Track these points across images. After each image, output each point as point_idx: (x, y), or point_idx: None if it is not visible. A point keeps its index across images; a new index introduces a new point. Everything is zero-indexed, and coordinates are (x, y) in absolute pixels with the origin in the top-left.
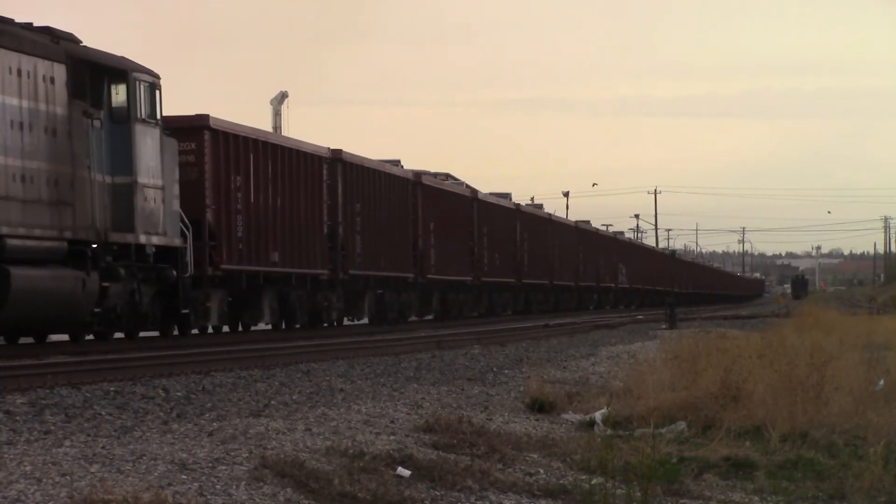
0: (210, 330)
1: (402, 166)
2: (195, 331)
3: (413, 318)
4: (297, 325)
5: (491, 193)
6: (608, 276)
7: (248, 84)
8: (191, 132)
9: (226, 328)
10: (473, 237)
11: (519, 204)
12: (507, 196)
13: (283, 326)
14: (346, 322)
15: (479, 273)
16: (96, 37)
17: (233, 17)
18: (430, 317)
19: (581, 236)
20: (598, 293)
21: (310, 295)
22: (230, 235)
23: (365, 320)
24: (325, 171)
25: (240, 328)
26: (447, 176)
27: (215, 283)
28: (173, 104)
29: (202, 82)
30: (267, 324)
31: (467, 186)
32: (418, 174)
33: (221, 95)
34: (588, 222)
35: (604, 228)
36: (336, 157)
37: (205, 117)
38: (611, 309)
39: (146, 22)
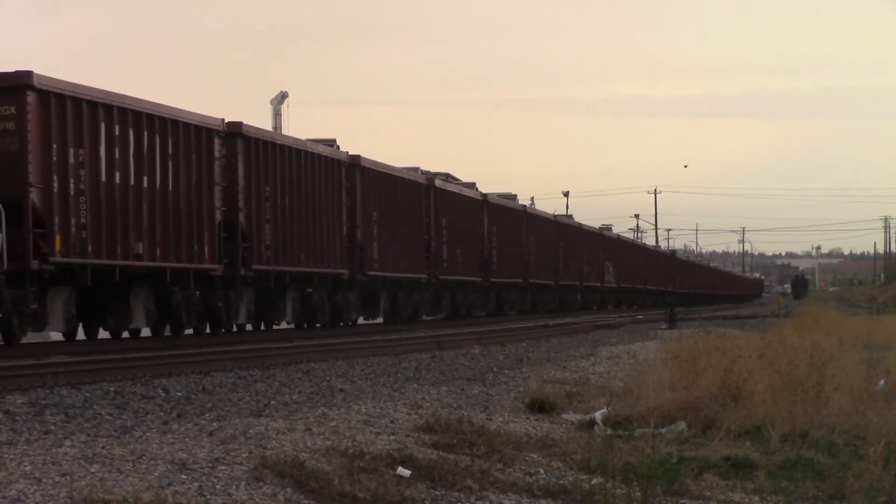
0: (55, 337)
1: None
2: (54, 336)
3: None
4: (188, 331)
5: (450, 180)
6: (593, 274)
7: (249, 84)
8: (9, 93)
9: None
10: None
11: (487, 194)
12: (471, 185)
13: (163, 332)
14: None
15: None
16: (96, 37)
17: (233, 17)
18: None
19: (561, 231)
20: (581, 293)
21: (195, 294)
22: (68, 220)
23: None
24: (216, 148)
25: (102, 334)
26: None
27: (54, 280)
28: (173, 103)
29: (202, 82)
30: (139, 326)
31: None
32: (430, 177)
33: (221, 95)
34: (570, 217)
35: (592, 225)
36: (233, 130)
37: (27, 74)
38: (597, 310)
39: (147, 22)
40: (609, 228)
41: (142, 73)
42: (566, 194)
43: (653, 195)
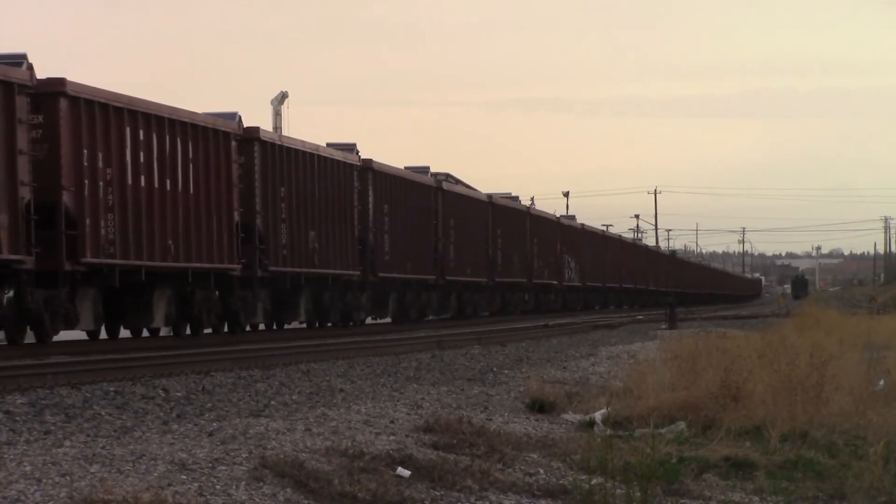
0: None
1: (430, 173)
2: None
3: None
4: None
5: (450, 180)
6: (547, 270)
7: (249, 84)
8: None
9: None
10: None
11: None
12: (424, 170)
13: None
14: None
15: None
16: (96, 37)
17: (233, 17)
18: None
19: (499, 217)
20: (529, 292)
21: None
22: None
23: None
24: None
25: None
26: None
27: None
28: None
29: (202, 82)
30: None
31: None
32: (439, 179)
33: (222, 95)
34: (517, 199)
35: (548, 211)
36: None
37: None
38: (555, 314)
39: (147, 22)
40: (573, 218)
41: (142, 73)
42: (566, 195)
43: (653, 195)
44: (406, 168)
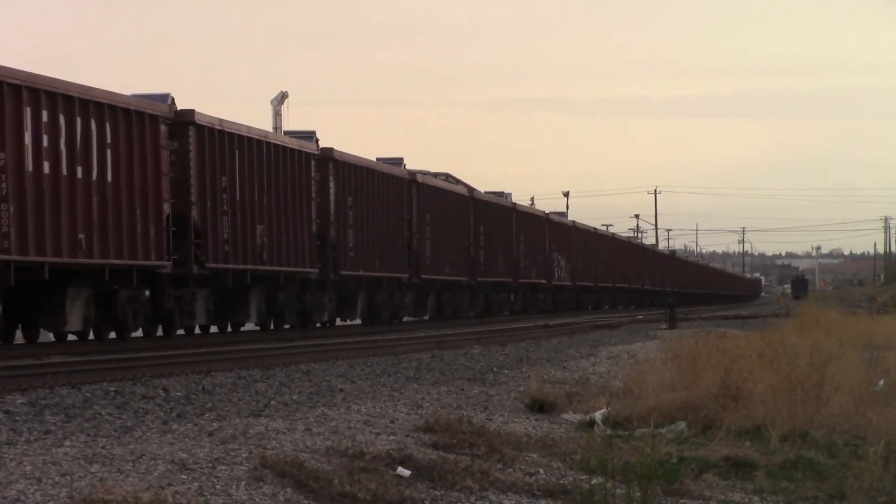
0: None
1: (404, 166)
2: None
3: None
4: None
5: (450, 180)
6: (535, 269)
7: (249, 84)
8: None
9: None
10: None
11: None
12: (397, 162)
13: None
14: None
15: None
16: (97, 37)
17: (233, 17)
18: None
19: (482, 213)
20: (515, 291)
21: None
22: None
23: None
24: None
25: None
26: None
27: None
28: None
29: (202, 82)
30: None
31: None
32: (414, 172)
33: (222, 95)
34: (501, 194)
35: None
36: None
37: None
38: (541, 315)
39: (147, 21)
40: (564, 215)
41: (142, 73)
42: (566, 195)
43: (653, 195)
44: (378, 160)
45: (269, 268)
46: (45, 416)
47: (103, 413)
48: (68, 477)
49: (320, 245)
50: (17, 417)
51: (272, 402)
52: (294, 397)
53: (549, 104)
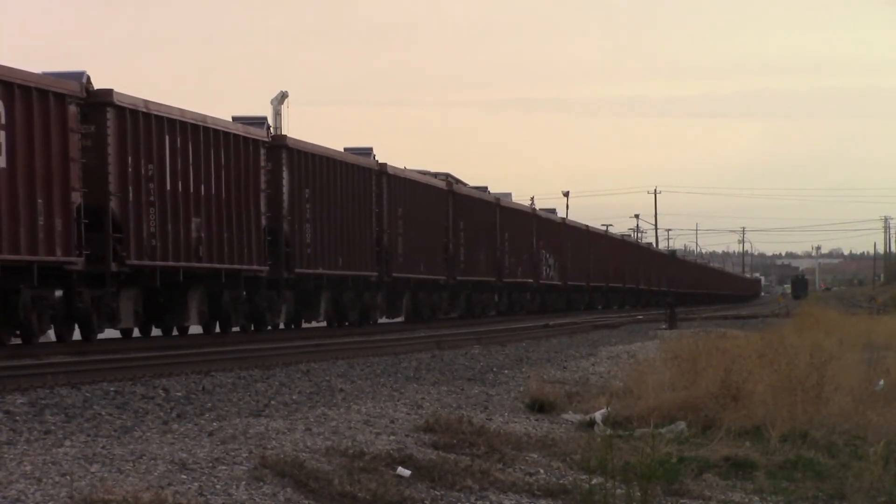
0: None
1: (374, 156)
2: None
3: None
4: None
5: (450, 180)
6: (521, 267)
7: (249, 84)
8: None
9: None
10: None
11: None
12: (366, 152)
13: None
14: None
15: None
16: (97, 38)
17: (233, 17)
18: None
19: (461, 208)
20: (500, 291)
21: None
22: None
23: None
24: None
25: None
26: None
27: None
28: (176, 101)
29: (202, 82)
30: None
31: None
32: (449, 182)
33: (222, 95)
34: (486, 189)
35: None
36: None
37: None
38: (527, 315)
39: (147, 21)
40: (554, 211)
41: (142, 73)
42: (566, 195)
43: (652, 195)
44: (346, 150)
45: (206, 265)
46: (45, 416)
47: (103, 413)
48: (68, 477)
49: (271, 241)
50: (17, 417)
51: (272, 402)
52: (294, 397)
53: (549, 104)
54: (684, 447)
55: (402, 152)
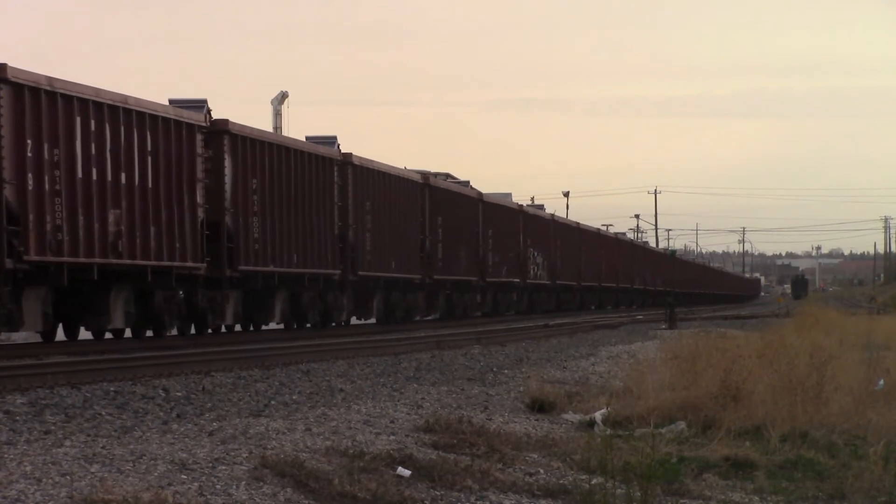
0: None
1: (338, 146)
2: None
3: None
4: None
5: (450, 179)
6: (506, 266)
7: (249, 84)
8: None
9: None
10: None
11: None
12: (330, 141)
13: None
14: None
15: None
16: (97, 38)
17: (233, 16)
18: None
19: (439, 203)
20: (483, 291)
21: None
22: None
23: None
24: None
25: None
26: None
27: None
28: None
29: (202, 82)
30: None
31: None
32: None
33: (222, 95)
34: (468, 183)
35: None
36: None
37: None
38: (515, 316)
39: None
40: (542, 208)
41: (141, 73)
42: (566, 194)
43: (653, 195)
44: (307, 138)
45: (128, 262)
46: (45, 416)
47: (103, 413)
48: (68, 477)
49: (210, 235)
50: (17, 417)
51: (272, 402)
52: (294, 397)
53: (549, 104)
54: (684, 447)
55: (402, 152)
